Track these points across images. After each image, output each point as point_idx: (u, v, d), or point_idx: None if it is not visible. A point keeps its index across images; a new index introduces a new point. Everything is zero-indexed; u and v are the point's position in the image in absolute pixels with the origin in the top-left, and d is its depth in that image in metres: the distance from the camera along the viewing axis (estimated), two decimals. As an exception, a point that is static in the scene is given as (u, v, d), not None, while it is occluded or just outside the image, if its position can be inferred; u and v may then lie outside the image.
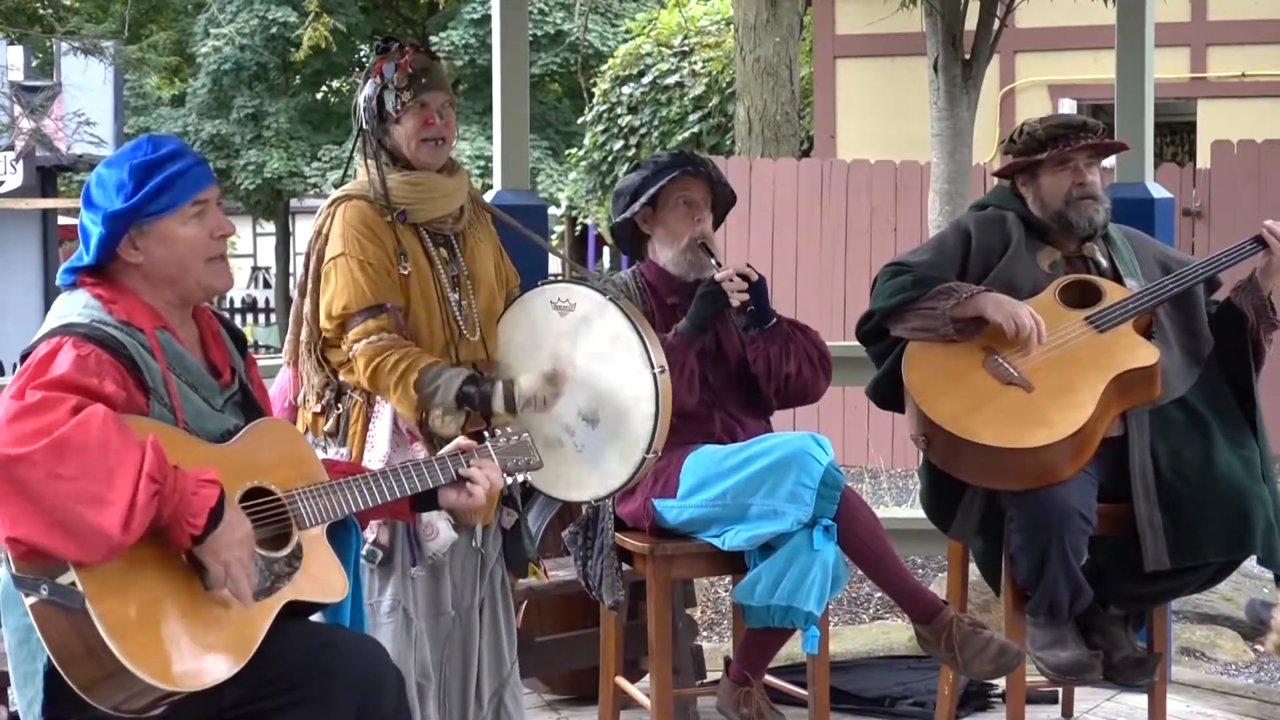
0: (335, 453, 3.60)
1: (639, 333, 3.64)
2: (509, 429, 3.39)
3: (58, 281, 2.97)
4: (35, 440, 2.59)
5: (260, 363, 3.30)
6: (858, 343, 4.41)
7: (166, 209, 2.91)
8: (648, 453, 3.63)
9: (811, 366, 4.20)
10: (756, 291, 4.07)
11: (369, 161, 3.68)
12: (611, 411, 3.66)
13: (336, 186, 3.81)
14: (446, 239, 3.72)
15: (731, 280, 4.03)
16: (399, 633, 3.60)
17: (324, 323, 3.62)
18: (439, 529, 3.60)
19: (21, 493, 2.58)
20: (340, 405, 3.65)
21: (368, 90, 3.69)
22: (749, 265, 4.10)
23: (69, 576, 2.62)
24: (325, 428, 3.65)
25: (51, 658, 2.66)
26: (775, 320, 4.14)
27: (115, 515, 2.59)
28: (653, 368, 3.62)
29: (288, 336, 3.76)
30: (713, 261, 4.13)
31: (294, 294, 3.77)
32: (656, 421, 3.62)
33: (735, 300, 4.05)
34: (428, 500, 3.23)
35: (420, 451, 3.55)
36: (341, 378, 3.64)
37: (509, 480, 3.30)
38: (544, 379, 3.60)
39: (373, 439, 3.59)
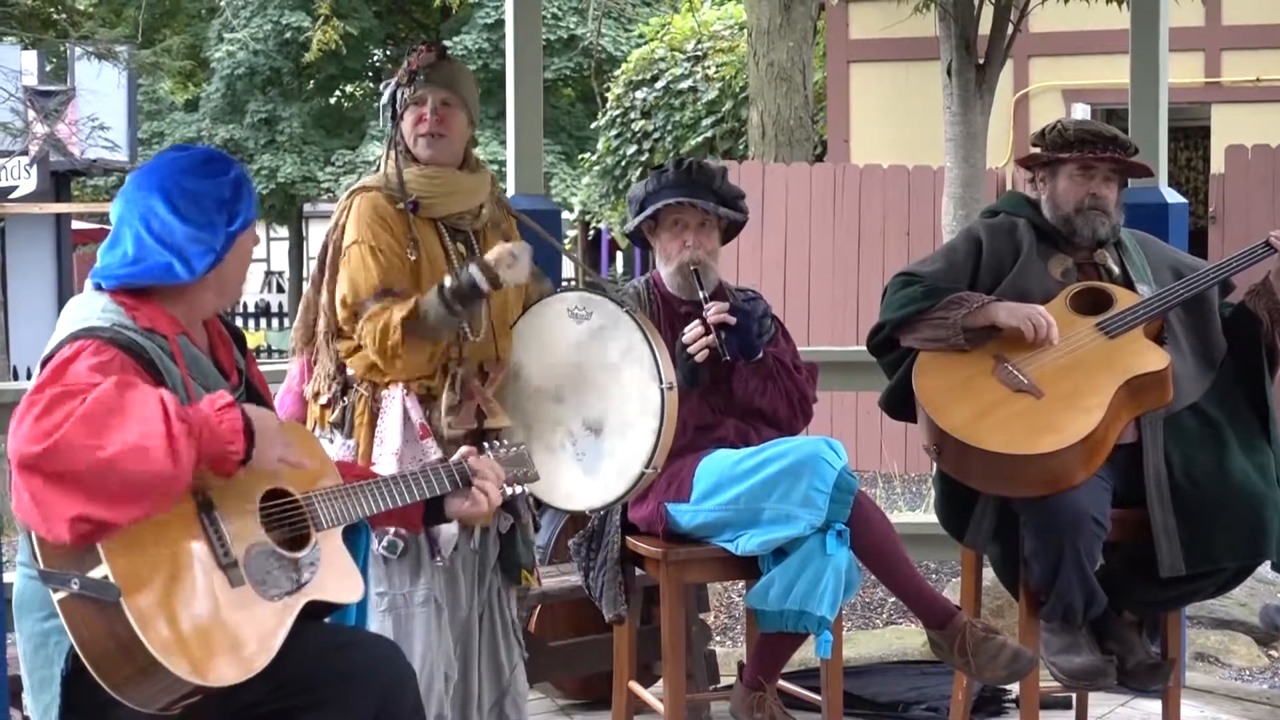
0: (341, 444, 3.64)
1: (651, 347, 3.65)
2: (508, 440, 3.42)
3: (92, 279, 2.98)
4: (58, 431, 2.60)
5: (272, 367, 3.31)
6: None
7: (250, 222, 3.01)
8: (646, 467, 3.62)
9: (789, 408, 4.24)
10: (740, 331, 4.08)
11: (391, 153, 3.76)
12: (616, 422, 3.66)
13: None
14: (465, 235, 3.75)
15: (705, 329, 4.06)
16: (432, 622, 3.62)
17: (338, 309, 3.65)
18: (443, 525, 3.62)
19: (71, 478, 2.59)
20: (346, 398, 3.68)
21: (391, 87, 3.79)
22: (733, 300, 4.12)
23: (101, 570, 2.62)
24: (330, 419, 3.69)
25: (81, 656, 2.66)
26: (760, 357, 4.15)
27: (159, 454, 2.61)
28: (661, 382, 3.62)
29: (297, 324, 3.80)
30: (701, 294, 4.14)
31: (307, 286, 3.81)
32: (659, 437, 3.61)
33: (699, 357, 4.07)
34: (437, 513, 3.27)
35: (431, 446, 3.59)
36: (349, 371, 3.67)
37: (506, 492, 3.33)
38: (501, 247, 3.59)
39: (382, 434, 3.61)
